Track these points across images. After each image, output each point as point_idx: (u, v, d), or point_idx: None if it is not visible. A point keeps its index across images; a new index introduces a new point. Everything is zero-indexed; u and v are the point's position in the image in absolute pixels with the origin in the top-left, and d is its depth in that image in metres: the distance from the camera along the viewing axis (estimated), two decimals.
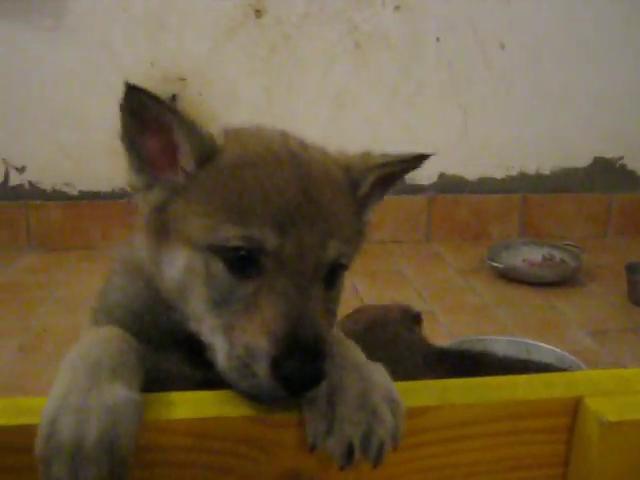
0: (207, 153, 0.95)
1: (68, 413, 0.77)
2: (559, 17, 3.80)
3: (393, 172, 1.08)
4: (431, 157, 1.07)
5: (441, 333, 2.88)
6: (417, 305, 3.15)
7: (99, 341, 0.90)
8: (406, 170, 1.09)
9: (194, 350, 0.95)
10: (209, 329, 0.90)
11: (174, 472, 0.84)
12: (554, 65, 3.87)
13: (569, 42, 3.84)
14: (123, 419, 0.78)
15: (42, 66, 3.56)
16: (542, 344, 2.64)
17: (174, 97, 3.60)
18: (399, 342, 1.94)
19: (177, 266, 0.93)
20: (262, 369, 0.82)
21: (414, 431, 0.86)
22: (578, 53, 3.86)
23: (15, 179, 3.72)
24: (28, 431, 0.77)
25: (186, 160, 0.95)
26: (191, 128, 0.94)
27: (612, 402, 0.87)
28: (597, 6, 3.82)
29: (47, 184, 3.74)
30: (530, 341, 2.66)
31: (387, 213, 3.90)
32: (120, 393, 0.80)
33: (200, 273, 0.91)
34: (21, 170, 3.71)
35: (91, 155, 3.67)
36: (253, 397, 0.85)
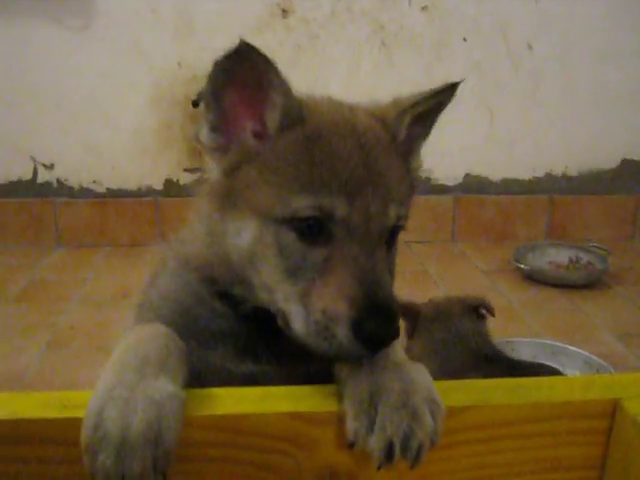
0: (294, 119, 0.98)
1: (114, 405, 0.79)
2: (588, 18, 3.77)
3: (428, 109, 1.10)
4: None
5: None
6: None
7: (146, 338, 0.92)
8: (441, 104, 1.11)
9: (239, 344, 0.96)
10: (283, 297, 0.93)
11: (213, 467, 0.86)
12: (582, 66, 3.84)
13: (597, 44, 3.81)
14: (167, 413, 0.79)
15: (71, 66, 3.59)
16: (569, 346, 2.62)
17: (199, 95, 3.62)
18: (453, 339, 1.96)
19: (245, 237, 0.95)
20: (343, 331, 0.86)
21: (453, 430, 0.86)
22: (606, 55, 3.83)
23: (44, 176, 3.76)
24: (72, 424, 0.78)
25: (273, 120, 0.98)
26: (289, 90, 0.98)
27: None
28: (626, 7, 3.78)
29: (75, 182, 3.78)
30: (557, 343, 2.65)
31: (413, 213, 3.86)
32: (165, 388, 0.82)
33: (271, 244, 0.94)
34: (49, 168, 3.75)
35: (119, 153, 3.70)
36: (333, 356, 0.90)
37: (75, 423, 0.78)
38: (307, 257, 0.92)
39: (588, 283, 3.40)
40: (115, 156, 3.72)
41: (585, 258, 3.64)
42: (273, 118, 0.98)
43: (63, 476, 0.85)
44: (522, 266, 3.47)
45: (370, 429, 0.82)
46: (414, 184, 1.11)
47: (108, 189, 3.79)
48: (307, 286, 0.91)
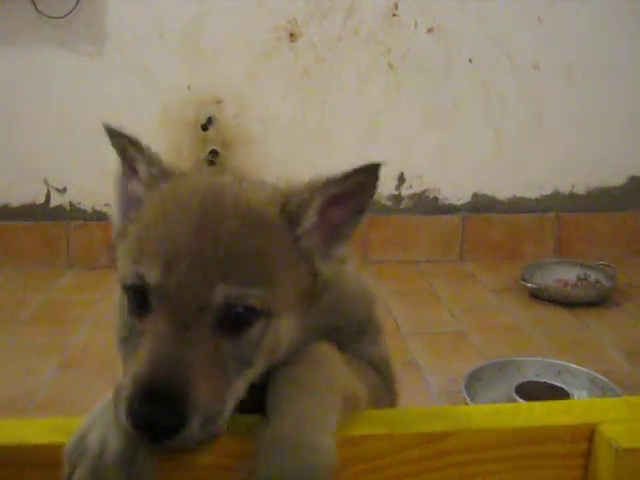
0: (152, 183, 0.98)
1: (98, 427, 0.84)
2: (592, 38, 3.80)
3: (344, 190, 0.96)
4: (389, 165, 0.95)
5: (474, 353, 2.89)
6: (450, 325, 3.18)
7: None
8: (361, 186, 0.96)
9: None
10: (121, 366, 0.92)
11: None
12: (588, 85, 3.87)
13: (602, 62, 3.84)
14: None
15: (82, 90, 3.67)
16: (575, 366, 2.63)
17: (210, 119, 3.68)
18: None
19: (113, 304, 0.97)
20: (121, 408, 0.82)
21: (433, 455, 0.89)
22: (611, 73, 3.86)
23: (56, 200, 3.83)
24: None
25: (139, 192, 0.99)
26: (151, 160, 0.99)
27: (626, 429, 0.89)
28: (630, 27, 3.82)
29: (87, 205, 3.84)
30: (563, 362, 2.66)
31: (420, 233, 3.93)
32: None
33: (117, 309, 0.94)
34: (62, 191, 3.82)
35: None
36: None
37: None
38: (133, 326, 0.90)
39: (596, 301, 3.40)
40: None
41: (593, 276, 3.64)
42: (139, 190, 0.99)
43: None
44: (529, 284, 3.48)
45: None
46: (316, 273, 0.98)
47: None
48: (128, 357, 0.88)
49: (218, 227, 0.89)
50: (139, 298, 0.88)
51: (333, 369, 0.93)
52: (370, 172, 0.94)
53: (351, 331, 1.07)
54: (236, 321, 0.88)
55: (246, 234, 0.90)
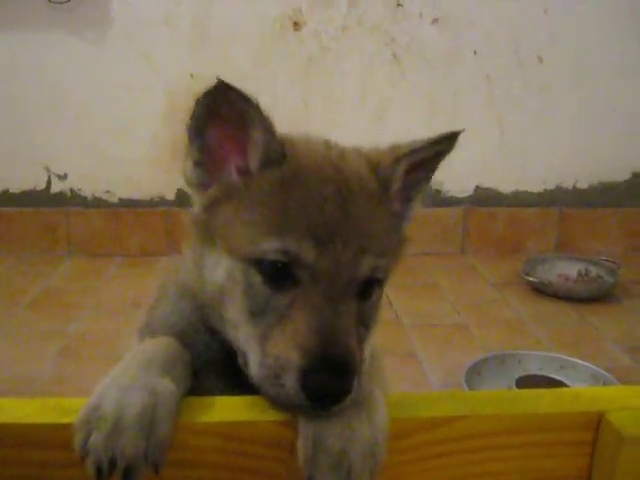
0: (275, 158, 0.97)
1: (115, 389, 0.83)
2: (599, 32, 3.78)
3: (426, 157, 1.05)
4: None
5: (475, 347, 2.88)
6: (451, 318, 3.17)
7: (156, 344, 0.96)
8: (439, 153, 1.06)
9: (228, 371, 0.98)
10: (244, 337, 0.93)
11: (208, 472, 0.88)
12: (593, 79, 3.85)
13: (608, 57, 3.82)
14: (164, 405, 0.83)
15: (85, 77, 3.65)
16: (576, 360, 2.63)
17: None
18: None
19: (219, 272, 0.96)
20: (290, 380, 0.84)
21: (438, 441, 0.87)
22: (618, 68, 3.83)
23: (57, 186, 3.82)
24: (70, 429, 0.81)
25: (254, 159, 0.98)
26: (271, 129, 0.96)
27: (633, 417, 0.88)
28: (637, 20, 3.79)
29: (88, 191, 3.83)
30: (565, 357, 2.65)
31: (422, 226, 3.91)
32: (166, 384, 0.86)
33: (240, 282, 0.94)
34: (63, 177, 3.81)
35: (131, 164, 3.75)
36: (280, 405, 0.87)
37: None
38: (271, 301, 0.91)
39: (597, 296, 3.40)
40: (128, 166, 3.76)
41: (594, 271, 3.63)
42: (255, 156, 0.97)
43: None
44: (531, 279, 3.47)
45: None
46: (404, 238, 1.08)
47: (120, 199, 3.83)
48: (267, 329, 0.90)
49: (355, 206, 0.95)
50: (279, 273, 0.91)
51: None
52: (451, 140, 1.04)
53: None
54: (366, 288, 0.95)
55: (373, 208, 0.98)
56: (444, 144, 1.04)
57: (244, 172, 0.98)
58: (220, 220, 0.98)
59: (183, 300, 1.07)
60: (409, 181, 1.06)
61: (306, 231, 0.90)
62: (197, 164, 1.01)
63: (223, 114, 0.96)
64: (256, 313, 0.92)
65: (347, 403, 0.84)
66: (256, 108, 0.94)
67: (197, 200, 1.02)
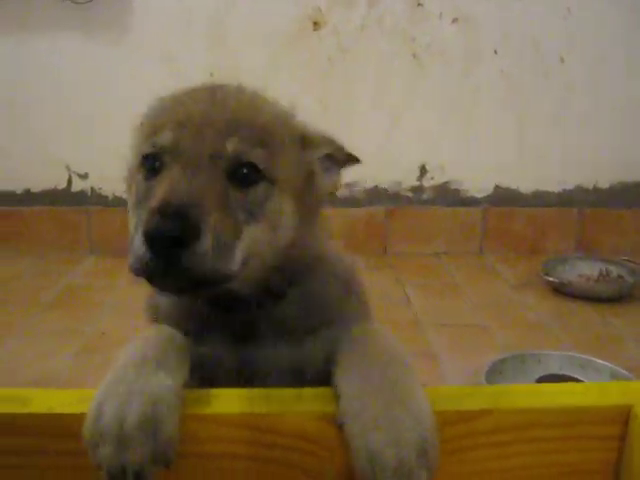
0: None
1: (112, 400, 0.83)
2: (619, 32, 3.75)
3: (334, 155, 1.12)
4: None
5: (495, 347, 2.86)
6: (470, 318, 3.16)
7: (148, 338, 0.97)
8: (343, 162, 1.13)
9: (225, 331, 1.03)
10: (134, 229, 0.96)
11: (240, 464, 0.88)
12: (613, 79, 3.82)
13: (629, 56, 3.79)
14: (163, 403, 0.83)
15: (105, 77, 3.67)
16: (597, 359, 2.61)
17: None
18: None
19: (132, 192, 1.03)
20: (138, 237, 0.85)
21: (466, 434, 0.87)
22: (637, 67, 3.81)
23: (77, 185, 3.84)
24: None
25: None
26: None
27: None
28: None
29: (108, 191, 3.85)
30: (585, 356, 2.64)
31: (441, 225, 3.90)
32: (162, 382, 0.86)
33: (133, 192, 1.01)
34: (84, 177, 3.83)
35: None
36: (139, 271, 0.87)
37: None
38: (147, 189, 0.95)
39: (618, 296, 3.37)
40: None
41: (615, 271, 3.61)
42: None
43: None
44: (551, 279, 3.45)
45: None
46: (314, 181, 1.09)
47: None
48: (143, 213, 0.90)
49: (227, 99, 1.00)
50: (154, 164, 0.96)
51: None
52: (350, 159, 1.13)
53: (339, 292, 1.11)
54: (243, 178, 0.95)
55: (254, 109, 1.03)
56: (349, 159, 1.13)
57: None
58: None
59: None
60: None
61: (171, 123, 0.97)
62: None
63: None
64: (138, 205, 0.97)
65: (201, 256, 0.84)
66: None
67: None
